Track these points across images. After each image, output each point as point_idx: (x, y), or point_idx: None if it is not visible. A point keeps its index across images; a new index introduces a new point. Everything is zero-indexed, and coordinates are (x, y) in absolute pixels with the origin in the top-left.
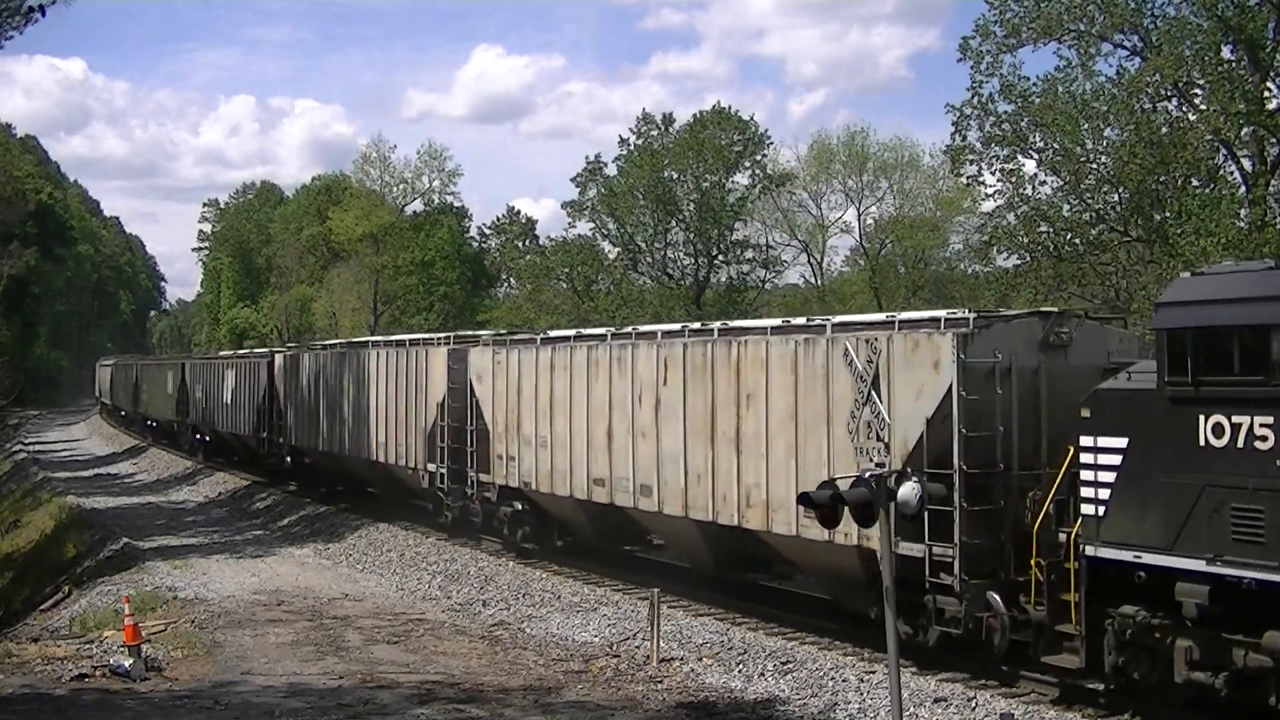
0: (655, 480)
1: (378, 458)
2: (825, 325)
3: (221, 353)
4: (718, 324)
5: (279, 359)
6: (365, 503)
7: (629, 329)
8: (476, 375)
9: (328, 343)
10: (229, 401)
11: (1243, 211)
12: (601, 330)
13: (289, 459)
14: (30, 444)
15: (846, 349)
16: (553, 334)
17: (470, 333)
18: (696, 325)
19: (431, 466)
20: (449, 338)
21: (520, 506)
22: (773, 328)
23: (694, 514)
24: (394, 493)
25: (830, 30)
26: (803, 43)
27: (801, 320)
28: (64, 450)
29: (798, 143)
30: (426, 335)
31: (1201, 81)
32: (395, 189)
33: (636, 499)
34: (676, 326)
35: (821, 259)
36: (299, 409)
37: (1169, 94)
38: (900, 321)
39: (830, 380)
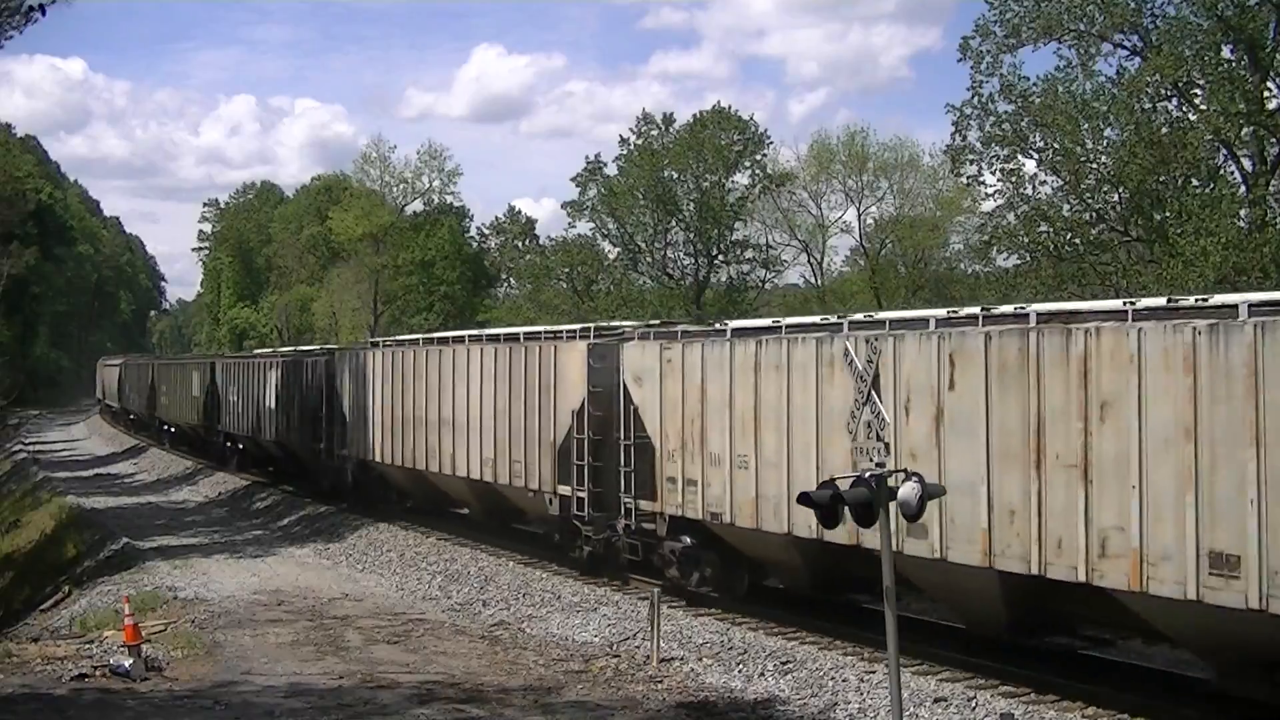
0: (939, 516)
1: (480, 476)
2: (1237, 305)
3: (260, 350)
4: (1036, 307)
5: (341, 358)
6: (452, 524)
7: (879, 316)
8: (634, 376)
9: (402, 339)
10: (273, 406)
11: (1243, 211)
12: (833, 319)
13: (352, 474)
14: (30, 444)
15: None
16: (742, 324)
17: (614, 324)
18: (981, 310)
19: (564, 489)
20: (588, 329)
21: (695, 541)
22: (1136, 311)
23: (1003, 563)
24: (498, 516)
25: (831, 30)
26: (803, 42)
27: (1155, 301)
28: (64, 450)
29: (798, 143)
30: (552, 328)
31: (1201, 81)
32: (395, 189)
33: (902, 541)
34: (943, 313)
35: (821, 259)
36: (365, 416)
37: (1169, 94)
38: None
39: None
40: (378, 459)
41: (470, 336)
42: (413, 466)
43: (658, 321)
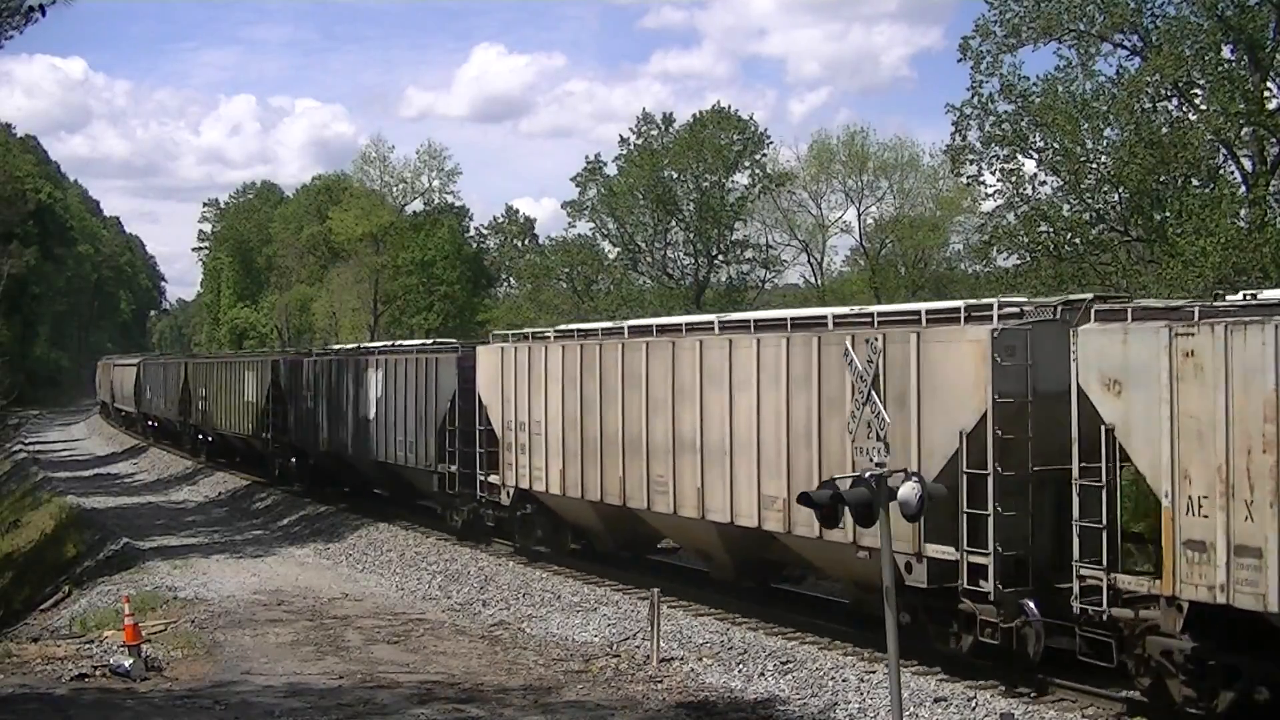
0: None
1: (754, 521)
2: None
3: (363, 345)
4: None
5: (492, 354)
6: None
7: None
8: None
9: (594, 326)
10: (373, 417)
11: (1243, 211)
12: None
13: (526, 506)
14: (30, 444)
15: None
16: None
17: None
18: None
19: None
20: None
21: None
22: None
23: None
24: (760, 575)
25: (832, 29)
26: (804, 42)
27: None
28: (64, 450)
29: (798, 142)
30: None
31: (1201, 81)
32: (395, 189)
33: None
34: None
35: (821, 259)
36: (527, 431)
37: (1169, 94)
38: None
39: None
40: (548, 489)
41: (722, 323)
42: (614, 503)
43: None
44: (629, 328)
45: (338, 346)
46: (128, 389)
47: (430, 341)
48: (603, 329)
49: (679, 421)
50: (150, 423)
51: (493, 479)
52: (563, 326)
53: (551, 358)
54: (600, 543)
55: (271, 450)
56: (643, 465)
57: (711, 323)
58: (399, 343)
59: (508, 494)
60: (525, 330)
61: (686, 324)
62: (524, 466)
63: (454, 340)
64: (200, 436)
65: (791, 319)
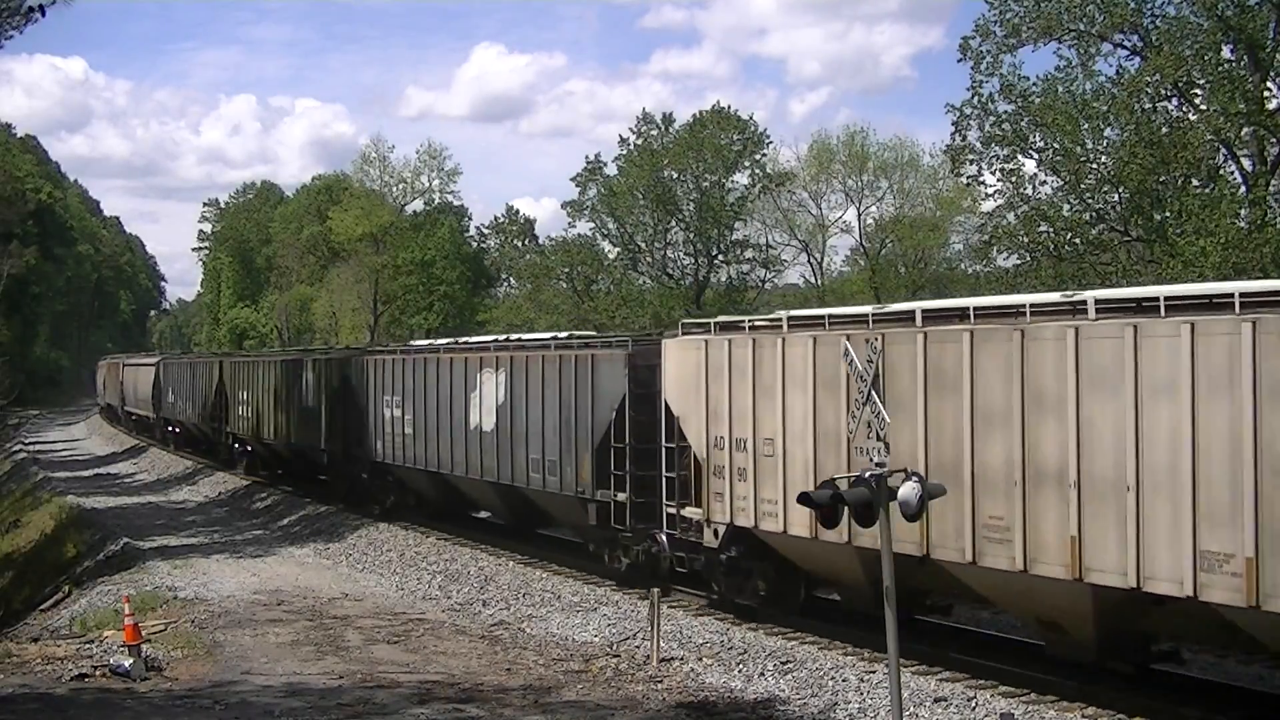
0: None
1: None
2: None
3: (465, 340)
4: None
5: (679, 350)
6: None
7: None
8: None
9: (845, 312)
10: (491, 428)
11: (1243, 211)
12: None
13: (738, 548)
14: (30, 444)
15: None
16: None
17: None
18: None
19: None
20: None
21: None
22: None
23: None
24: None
25: (833, 29)
26: (805, 42)
27: None
28: (64, 450)
29: (798, 142)
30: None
31: (1201, 81)
32: (395, 189)
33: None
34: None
35: (821, 259)
36: (765, 454)
37: (1169, 94)
38: None
39: None
40: (785, 528)
41: (1107, 303)
42: (910, 553)
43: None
44: (921, 311)
45: (425, 342)
46: (143, 391)
47: (566, 335)
48: (873, 313)
49: (1033, 443)
50: (171, 429)
51: (690, 513)
52: (800, 312)
53: (792, 354)
54: (861, 601)
55: (336, 464)
56: (966, 503)
57: (1084, 301)
58: (522, 335)
59: (715, 533)
60: (738, 319)
61: (1031, 305)
62: (743, 498)
63: (617, 332)
64: (237, 446)
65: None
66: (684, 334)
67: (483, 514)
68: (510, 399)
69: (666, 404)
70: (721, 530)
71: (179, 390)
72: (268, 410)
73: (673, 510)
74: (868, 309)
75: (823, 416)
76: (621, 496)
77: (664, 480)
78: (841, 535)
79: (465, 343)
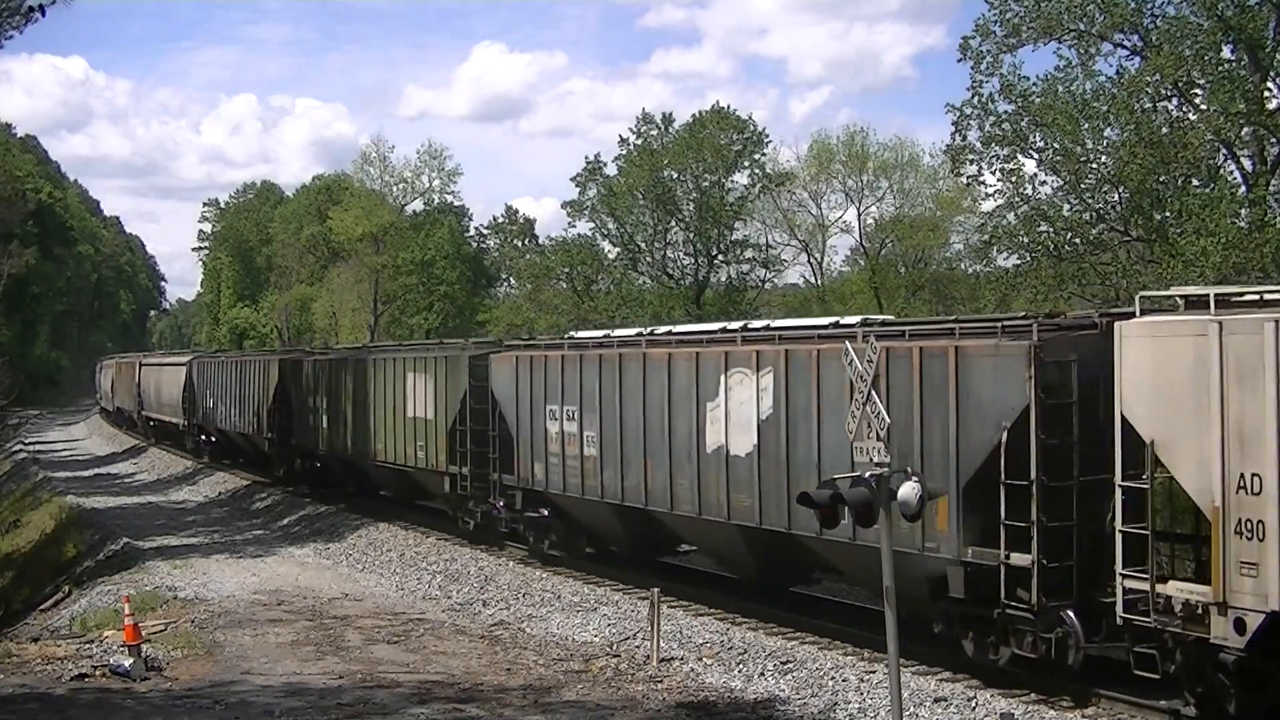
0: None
1: None
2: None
3: (691, 329)
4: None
5: (1164, 341)
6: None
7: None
8: None
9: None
10: (746, 451)
11: (1243, 211)
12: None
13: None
14: (30, 444)
15: None
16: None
17: None
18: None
19: None
20: None
21: None
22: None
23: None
24: None
25: (833, 28)
26: (806, 41)
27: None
28: (64, 450)
29: (798, 142)
30: None
31: (1201, 81)
32: (395, 189)
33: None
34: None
35: (821, 259)
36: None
37: (1169, 94)
38: None
39: None
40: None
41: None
42: None
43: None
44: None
45: (600, 333)
46: (169, 394)
47: (857, 320)
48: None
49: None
50: (206, 438)
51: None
52: None
53: None
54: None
55: (470, 490)
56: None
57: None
58: (788, 322)
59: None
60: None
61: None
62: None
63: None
64: (304, 464)
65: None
66: (1159, 312)
67: (683, 547)
68: (785, 411)
69: (1127, 419)
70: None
71: (221, 396)
72: (355, 422)
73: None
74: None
75: None
76: (1023, 560)
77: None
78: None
79: (681, 332)
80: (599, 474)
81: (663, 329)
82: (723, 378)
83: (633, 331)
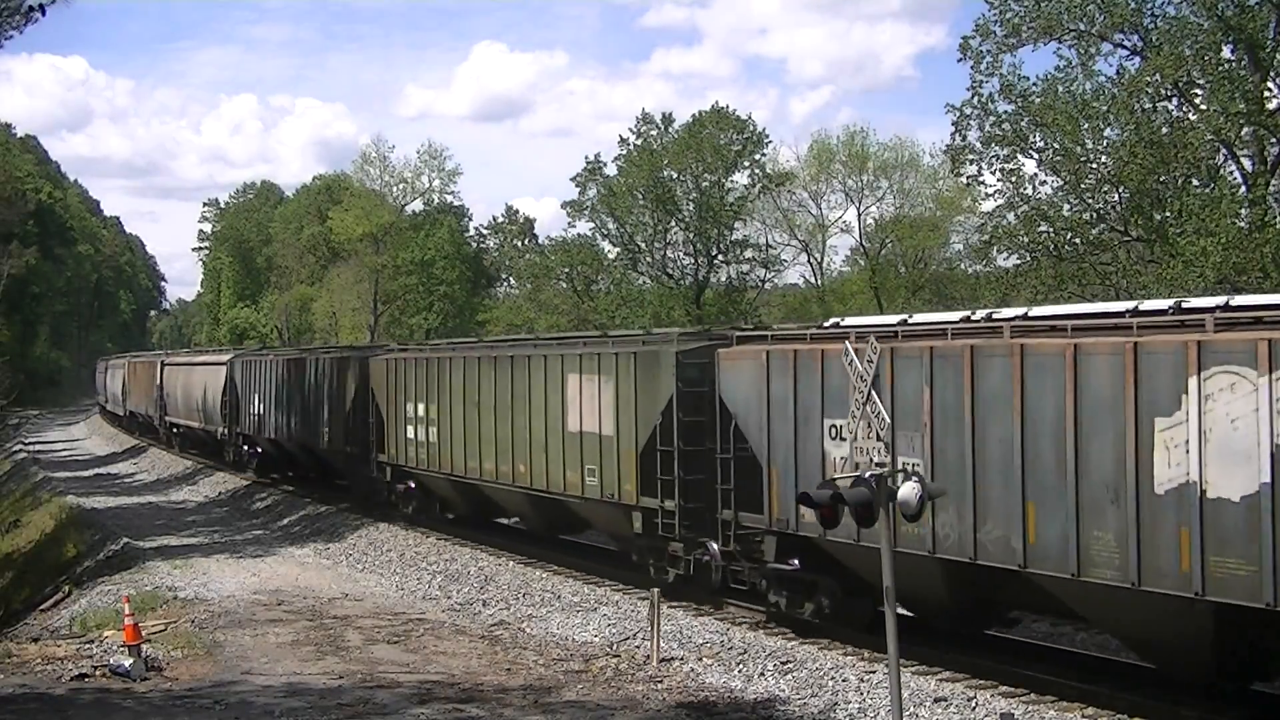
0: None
1: None
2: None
3: (1027, 313)
4: None
5: None
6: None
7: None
8: None
9: None
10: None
11: (1243, 211)
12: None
13: None
14: (30, 444)
15: None
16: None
17: None
18: None
19: None
20: None
21: None
22: None
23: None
24: None
25: (834, 28)
26: (806, 41)
27: None
28: (64, 450)
29: (798, 142)
30: None
31: (1201, 81)
32: (395, 189)
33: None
34: None
35: (821, 259)
36: None
37: (1169, 94)
38: None
39: None
40: None
41: None
42: None
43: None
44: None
45: (872, 320)
46: (203, 399)
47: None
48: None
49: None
50: (250, 450)
51: None
52: None
53: None
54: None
55: (679, 531)
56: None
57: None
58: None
59: None
60: None
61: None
62: None
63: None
64: (403, 487)
65: None
66: None
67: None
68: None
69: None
70: None
71: (275, 400)
72: (472, 435)
73: None
74: None
75: None
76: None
77: None
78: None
79: (1047, 316)
80: (930, 522)
81: (1010, 311)
82: (1194, 381)
83: (940, 317)
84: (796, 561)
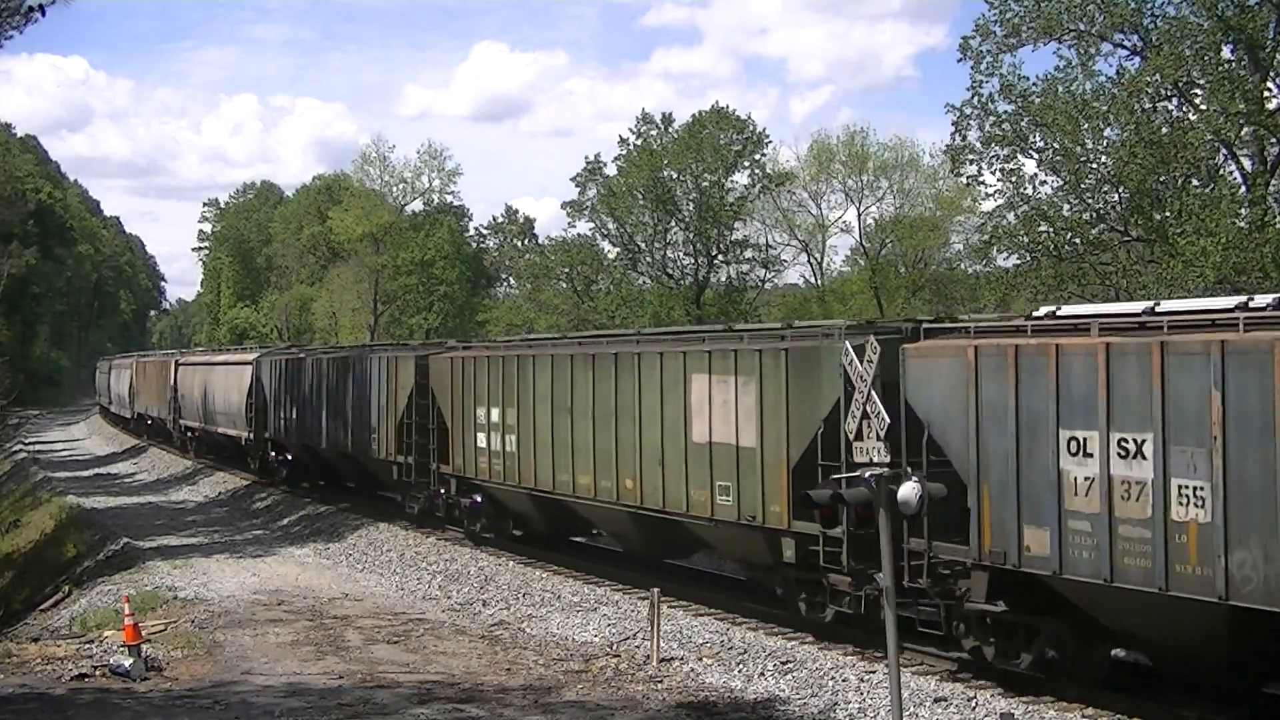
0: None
1: None
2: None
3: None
4: None
5: None
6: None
7: None
8: None
9: None
10: None
11: (1243, 211)
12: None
13: None
14: (30, 444)
15: None
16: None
17: None
18: None
19: None
20: None
21: None
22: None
23: None
24: None
25: (834, 28)
26: (807, 41)
27: None
28: (64, 450)
29: (798, 142)
30: None
31: (1201, 81)
32: (395, 189)
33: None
34: None
35: (821, 259)
36: None
37: (1169, 94)
38: None
39: None
40: None
41: None
42: None
43: None
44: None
45: (1093, 309)
46: (225, 402)
47: None
48: None
49: None
50: (279, 456)
51: None
52: None
53: None
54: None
55: (848, 563)
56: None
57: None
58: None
59: None
60: None
61: None
62: None
63: None
64: (468, 502)
65: None
66: None
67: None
68: None
69: None
70: None
71: (310, 403)
72: (547, 443)
73: None
74: None
75: None
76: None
77: None
78: None
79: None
80: (1220, 560)
81: None
82: None
83: (1212, 303)
84: (1001, 602)
